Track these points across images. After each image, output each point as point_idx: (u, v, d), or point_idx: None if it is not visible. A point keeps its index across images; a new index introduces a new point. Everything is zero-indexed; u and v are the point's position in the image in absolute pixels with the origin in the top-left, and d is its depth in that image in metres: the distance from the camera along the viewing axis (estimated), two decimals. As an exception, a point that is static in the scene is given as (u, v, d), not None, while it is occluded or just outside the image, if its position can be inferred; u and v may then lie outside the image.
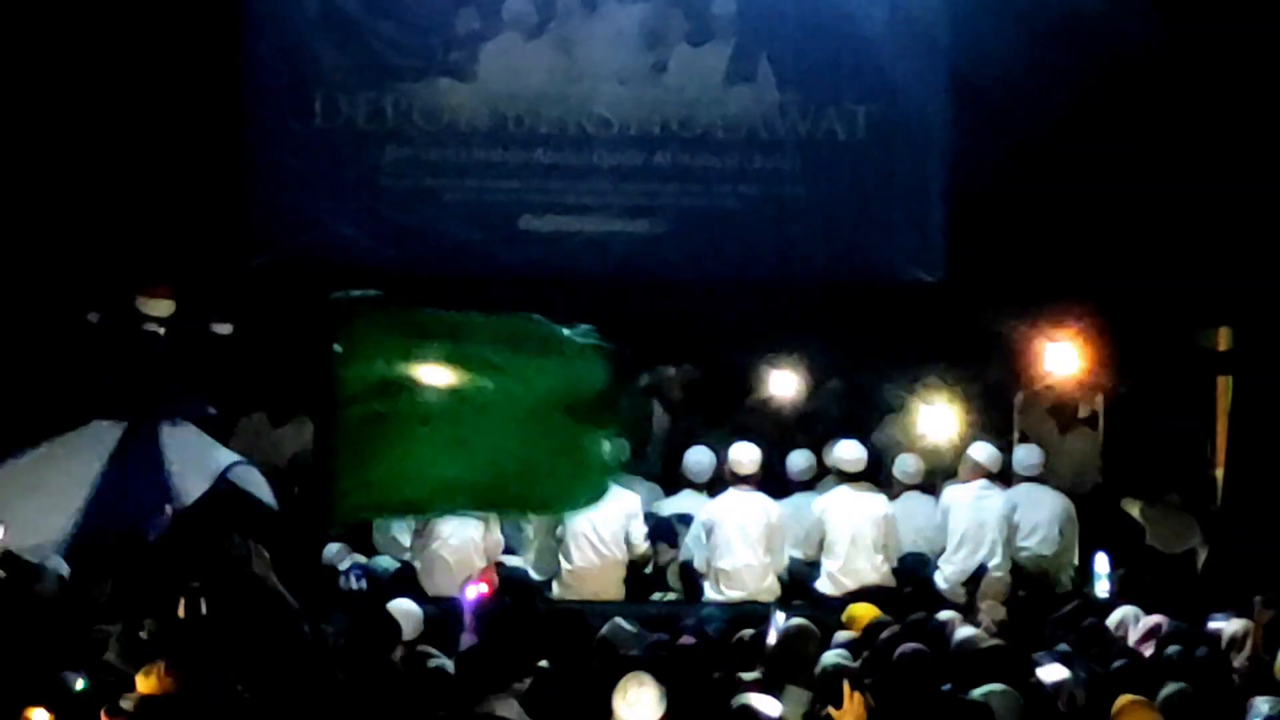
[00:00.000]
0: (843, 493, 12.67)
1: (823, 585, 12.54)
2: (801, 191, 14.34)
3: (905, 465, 13.24)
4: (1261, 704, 8.69)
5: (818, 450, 13.41)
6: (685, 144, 14.26)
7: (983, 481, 12.89)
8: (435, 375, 8.91)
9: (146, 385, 11.84)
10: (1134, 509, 13.38)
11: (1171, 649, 9.62)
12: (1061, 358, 13.68)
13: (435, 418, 8.81)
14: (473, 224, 14.23)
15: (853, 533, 12.48)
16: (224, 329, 12.29)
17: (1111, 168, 13.56)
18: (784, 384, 13.97)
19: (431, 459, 8.79)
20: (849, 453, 12.83)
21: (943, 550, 12.79)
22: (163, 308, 12.13)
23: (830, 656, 9.33)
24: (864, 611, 10.64)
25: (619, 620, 10.22)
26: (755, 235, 14.34)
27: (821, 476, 13.27)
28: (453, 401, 8.81)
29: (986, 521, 12.68)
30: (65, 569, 10.21)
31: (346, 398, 8.74)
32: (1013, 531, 12.76)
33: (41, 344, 12.48)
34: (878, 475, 13.15)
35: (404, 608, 10.38)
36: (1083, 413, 14.30)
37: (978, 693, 8.41)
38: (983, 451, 13.01)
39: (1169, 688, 8.54)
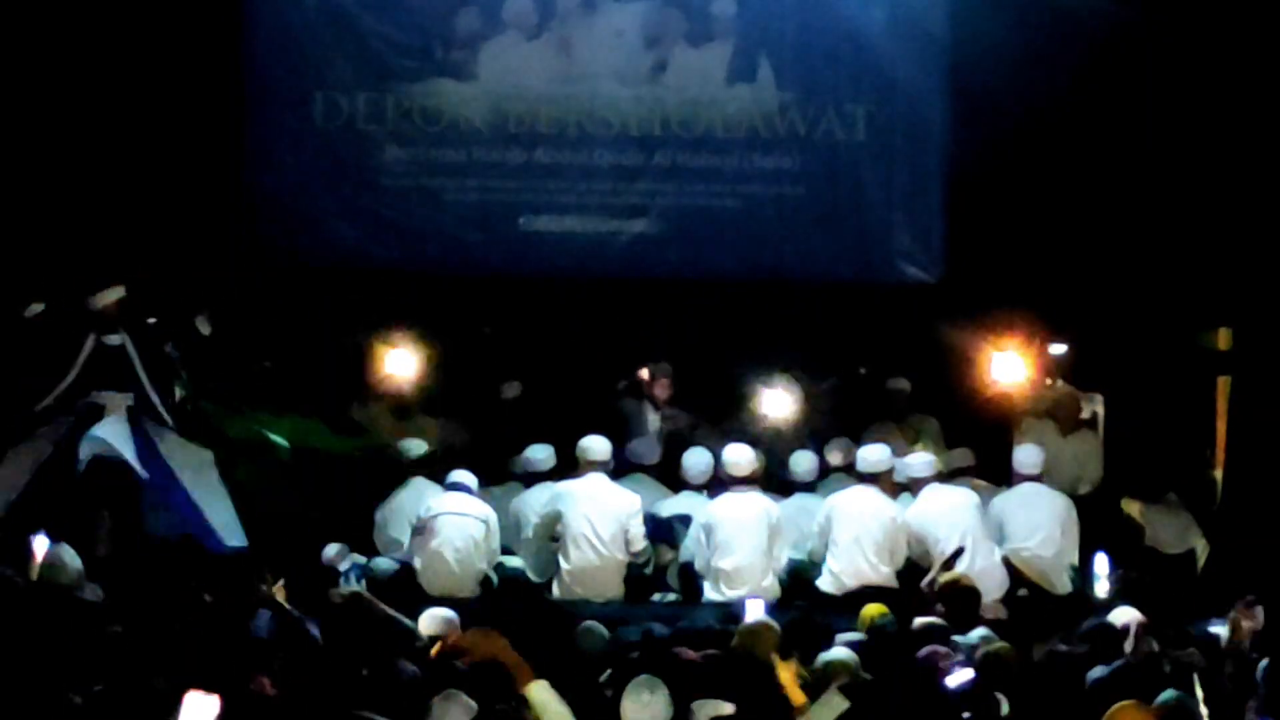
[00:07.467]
0: (855, 491, 12.60)
1: (824, 584, 12.51)
2: (801, 191, 14.35)
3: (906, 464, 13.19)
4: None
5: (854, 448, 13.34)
6: (685, 144, 14.28)
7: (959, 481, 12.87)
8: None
9: (83, 384, 11.89)
10: (1134, 509, 13.35)
11: (1170, 652, 9.59)
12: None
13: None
14: (473, 224, 14.26)
15: (859, 532, 12.43)
16: (205, 328, 12.25)
17: (1111, 168, 13.57)
18: (783, 384, 13.93)
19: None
20: (872, 454, 12.79)
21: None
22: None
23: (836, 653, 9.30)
24: (872, 611, 10.60)
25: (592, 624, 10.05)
26: (755, 235, 14.35)
27: (823, 477, 13.24)
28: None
29: (958, 522, 12.61)
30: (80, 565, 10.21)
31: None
32: (996, 528, 12.69)
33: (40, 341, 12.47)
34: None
35: (436, 614, 10.08)
36: (1083, 413, 14.27)
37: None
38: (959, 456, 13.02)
39: (1167, 694, 8.49)
